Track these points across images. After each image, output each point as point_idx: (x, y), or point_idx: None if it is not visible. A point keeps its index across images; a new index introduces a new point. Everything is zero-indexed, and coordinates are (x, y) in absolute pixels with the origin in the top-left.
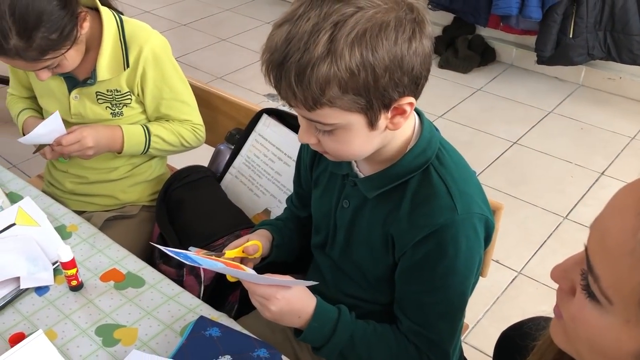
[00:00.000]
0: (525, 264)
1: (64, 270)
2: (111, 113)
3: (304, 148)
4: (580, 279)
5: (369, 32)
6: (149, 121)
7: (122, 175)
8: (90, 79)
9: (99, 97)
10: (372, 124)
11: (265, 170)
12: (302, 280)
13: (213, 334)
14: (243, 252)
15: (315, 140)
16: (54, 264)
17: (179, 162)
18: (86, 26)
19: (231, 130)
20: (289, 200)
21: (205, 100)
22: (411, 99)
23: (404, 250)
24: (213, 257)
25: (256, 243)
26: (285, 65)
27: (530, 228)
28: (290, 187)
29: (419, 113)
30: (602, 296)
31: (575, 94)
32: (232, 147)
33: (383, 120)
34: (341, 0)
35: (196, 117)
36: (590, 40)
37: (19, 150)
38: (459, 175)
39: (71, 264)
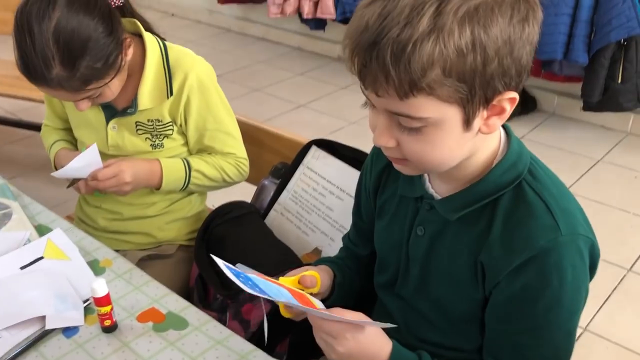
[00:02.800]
0: (591, 320)
1: (96, 308)
2: (151, 145)
3: (366, 173)
4: None
5: (482, 6)
6: (191, 154)
7: (160, 211)
8: (130, 107)
9: (138, 127)
10: (468, 121)
11: (315, 206)
12: (377, 322)
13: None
14: (299, 282)
15: (394, 143)
16: (85, 302)
17: (220, 199)
18: (130, 53)
19: (276, 164)
20: (346, 237)
21: (249, 134)
22: (514, 94)
23: (497, 280)
24: (275, 281)
25: (314, 275)
26: (379, 43)
27: (593, 281)
28: (343, 224)
29: (503, 125)
30: None
31: (624, 142)
32: (277, 182)
33: (479, 119)
34: None
35: (240, 150)
36: None
37: (48, 192)
38: (558, 192)
39: (106, 300)
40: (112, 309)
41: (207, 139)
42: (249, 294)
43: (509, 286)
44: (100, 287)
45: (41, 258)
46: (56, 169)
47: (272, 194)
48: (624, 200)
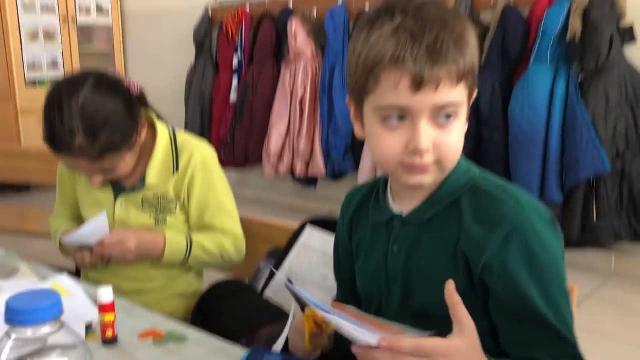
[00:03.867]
0: None
1: (100, 314)
2: (155, 220)
3: (340, 223)
4: None
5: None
6: (191, 231)
7: (159, 286)
8: (138, 185)
9: (144, 203)
10: (467, 116)
11: (311, 279)
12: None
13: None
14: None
15: (432, 144)
16: (87, 326)
17: (216, 279)
18: (144, 134)
19: (271, 248)
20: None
21: (245, 228)
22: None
23: (481, 260)
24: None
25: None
26: (440, 37)
27: None
28: None
29: None
30: None
31: (609, 282)
32: (273, 263)
33: (466, 118)
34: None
35: (238, 229)
36: (616, 221)
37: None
38: (508, 185)
39: (110, 308)
40: (115, 320)
41: (208, 217)
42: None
43: (503, 273)
44: (106, 293)
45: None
46: (60, 248)
47: (267, 275)
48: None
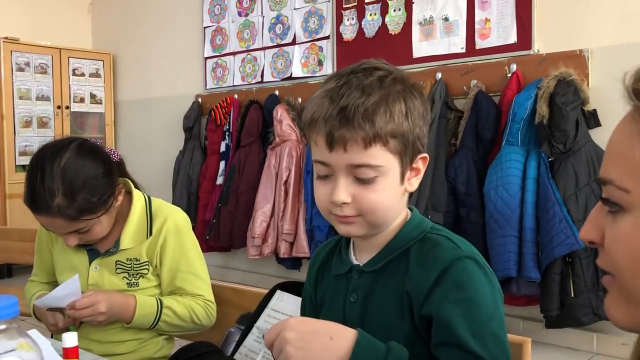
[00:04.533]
0: None
1: None
2: (127, 283)
3: (306, 281)
4: (604, 209)
5: (406, 87)
6: (162, 295)
7: (129, 349)
8: (112, 248)
9: (118, 266)
10: (402, 175)
11: None
12: None
13: None
14: None
15: (351, 198)
16: None
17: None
18: (120, 199)
19: (242, 313)
20: None
21: (215, 293)
22: (426, 154)
23: (422, 300)
24: None
25: None
26: (348, 107)
27: None
28: None
29: (409, 207)
30: (620, 192)
31: None
32: (243, 328)
33: (406, 178)
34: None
35: (209, 293)
36: (593, 299)
37: None
38: (455, 236)
39: (74, 353)
40: None
41: (179, 280)
42: None
43: (434, 304)
44: (70, 338)
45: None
46: (34, 312)
47: (237, 339)
48: None
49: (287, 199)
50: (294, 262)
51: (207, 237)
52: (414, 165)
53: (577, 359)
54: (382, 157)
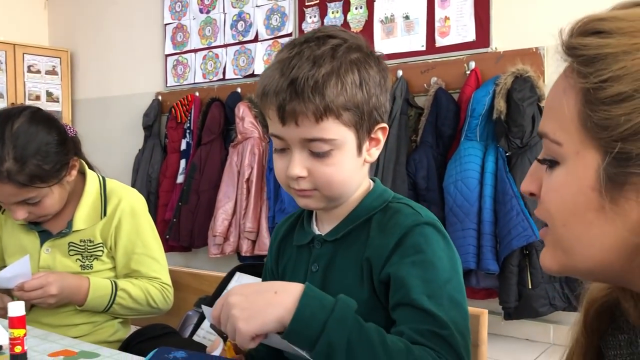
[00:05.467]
0: None
1: (10, 330)
2: (81, 266)
3: (268, 254)
4: (542, 164)
5: (361, 57)
6: (118, 278)
7: (82, 333)
8: (65, 229)
9: (71, 248)
10: (360, 147)
11: None
12: None
13: (178, 356)
14: None
15: (306, 172)
16: None
17: None
18: (73, 174)
19: (201, 296)
20: None
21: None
22: (385, 125)
23: (382, 264)
24: None
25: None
26: (297, 80)
27: None
28: None
29: (372, 178)
30: (554, 145)
31: (548, 351)
32: (201, 311)
33: (365, 148)
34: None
35: (165, 276)
36: (550, 290)
37: None
38: (417, 204)
39: (20, 322)
40: (25, 335)
41: (134, 263)
42: None
43: (392, 266)
44: (17, 307)
45: None
46: None
47: (195, 322)
48: None
49: (249, 197)
50: (256, 260)
51: (168, 236)
52: (372, 136)
53: (535, 349)
54: (336, 131)
